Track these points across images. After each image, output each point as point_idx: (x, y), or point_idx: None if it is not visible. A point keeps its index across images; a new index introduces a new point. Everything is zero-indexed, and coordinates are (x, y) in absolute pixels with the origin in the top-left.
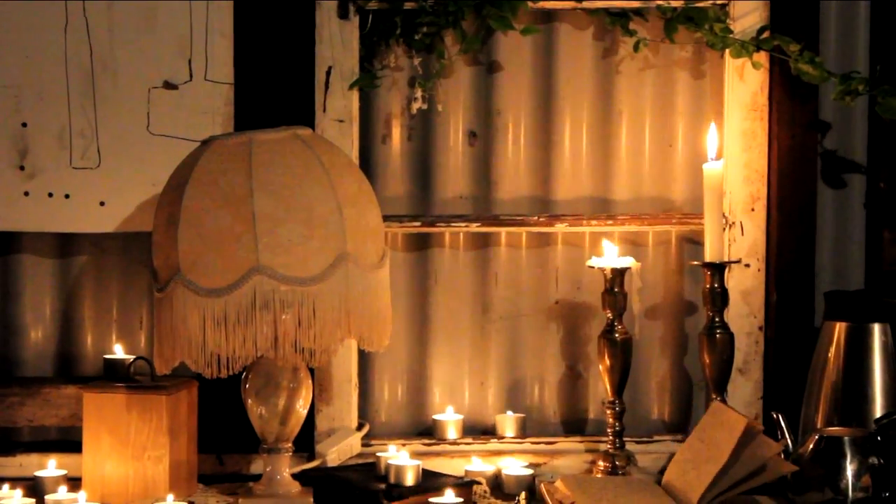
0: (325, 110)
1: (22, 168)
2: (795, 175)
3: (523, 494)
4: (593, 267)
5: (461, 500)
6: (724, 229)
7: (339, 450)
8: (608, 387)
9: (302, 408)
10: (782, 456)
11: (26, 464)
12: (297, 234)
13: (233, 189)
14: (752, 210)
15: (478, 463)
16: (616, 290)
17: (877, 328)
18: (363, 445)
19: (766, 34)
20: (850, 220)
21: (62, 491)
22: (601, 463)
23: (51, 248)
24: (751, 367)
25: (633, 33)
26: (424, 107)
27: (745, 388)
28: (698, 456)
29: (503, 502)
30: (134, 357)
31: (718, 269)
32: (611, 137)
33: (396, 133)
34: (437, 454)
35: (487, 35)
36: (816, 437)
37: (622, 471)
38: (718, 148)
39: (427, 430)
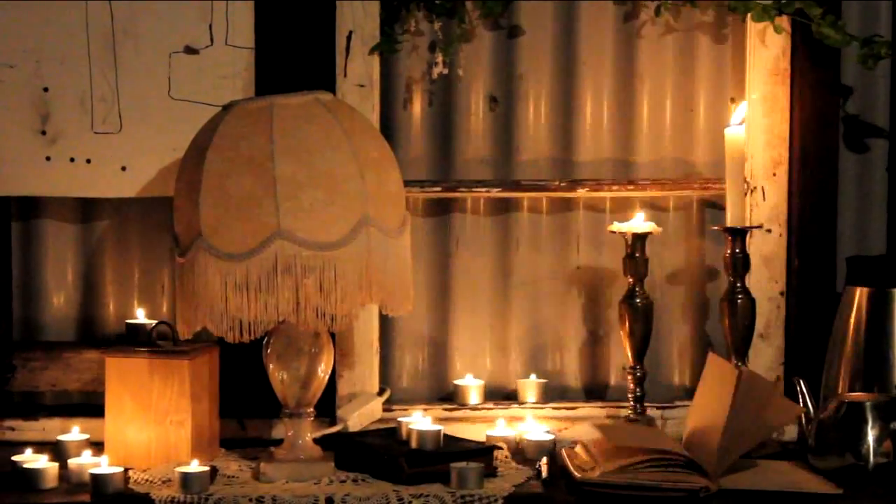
0: (345, 75)
1: (43, 133)
2: (817, 140)
3: (544, 459)
4: (615, 232)
5: (482, 465)
6: (746, 194)
7: (361, 415)
8: (629, 352)
9: (323, 373)
10: (802, 416)
11: (49, 428)
12: (319, 199)
13: (254, 154)
14: (774, 175)
15: (499, 428)
16: (637, 255)
17: None
18: (384, 410)
19: None
20: (872, 184)
21: (85, 455)
22: None
23: (72, 213)
24: (772, 333)
25: None
26: (445, 71)
27: (766, 353)
28: (706, 413)
29: (524, 467)
30: (156, 322)
31: (740, 234)
32: (632, 102)
33: (417, 98)
34: (459, 419)
35: None
36: (838, 402)
37: None
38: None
39: (448, 396)
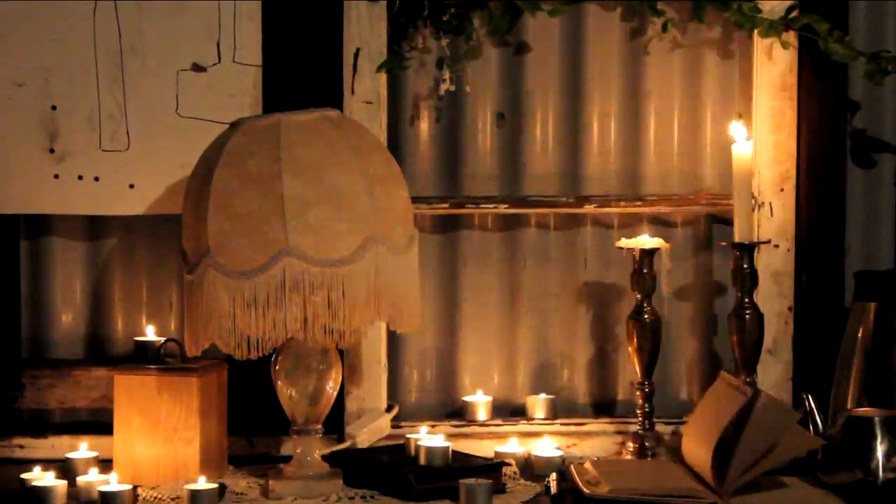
0: (353, 92)
1: (52, 151)
2: (825, 155)
3: (553, 475)
4: (622, 248)
5: (491, 481)
6: (754, 210)
7: (369, 431)
8: (637, 368)
9: (332, 389)
10: (811, 431)
11: (58, 445)
12: (327, 216)
13: (262, 171)
14: (782, 190)
15: (508, 444)
16: (645, 270)
17: None
18: (393, 427)
19: (794, 13)
20: (880, 199)
21: (93, 472)
22: (630, 444)
23: (80, 230)
24: (780, 348)
25: (661, 13)
26: (452, 88)
27: (774, 368)
28: (705, 430)
29: (533, 483)
30: (164, 339)
31: (748, 249)
32: (639, 118)
33: (425, 115)
34: (467, 436)
35: (515, 16)
36: (846, 417)
37: (652, 452)
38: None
39: (457, 412)
